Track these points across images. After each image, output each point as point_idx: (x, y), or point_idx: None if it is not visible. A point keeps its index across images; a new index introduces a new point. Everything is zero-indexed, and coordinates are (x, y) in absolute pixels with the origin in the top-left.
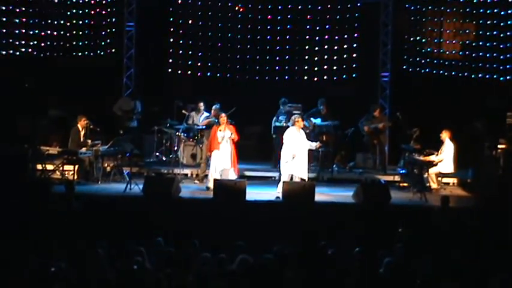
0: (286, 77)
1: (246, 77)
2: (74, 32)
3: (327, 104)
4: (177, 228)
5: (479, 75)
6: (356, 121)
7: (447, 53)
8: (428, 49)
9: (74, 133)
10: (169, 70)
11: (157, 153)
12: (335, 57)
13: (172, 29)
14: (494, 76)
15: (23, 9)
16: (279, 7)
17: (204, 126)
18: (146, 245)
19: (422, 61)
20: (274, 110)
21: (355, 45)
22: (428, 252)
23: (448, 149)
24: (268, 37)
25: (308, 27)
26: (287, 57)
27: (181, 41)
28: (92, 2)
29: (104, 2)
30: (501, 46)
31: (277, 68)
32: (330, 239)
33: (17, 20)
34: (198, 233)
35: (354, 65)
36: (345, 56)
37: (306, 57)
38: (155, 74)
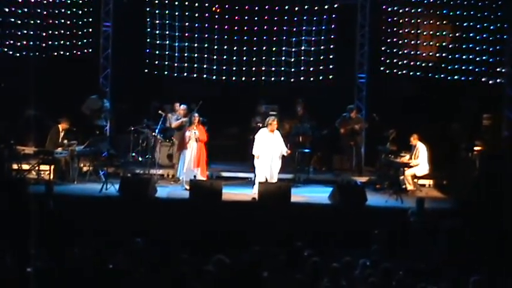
0: (263, 78)
1: (222, 77)
2: (50, 32)
3: (304, 105)
4: (153, 228)
5: (456, 77)
6: (332, 122)
7: (424, 54)
8: (405, 51)
9: (54, 133)
10: (146, 70)
11: (134, 154)
12: (312, 59)
13: (149, 29)
14: (470, 78)
15: None
16: (256, 8)
17: (175, 128)
18: (123, 245)
19: (399, 62)
20: (251, 111)
21: (332, 46)
22: (404, 254)
23: (422, 152)
24: (246, 38)
25: (285, 28)
26: (264, 58)
27: (158, 42)
28: (68, 1)
29: (80, 1)
30: (477, 48)
31: (254, 69)
32: (306, 240)
33: None
34: (175, 233)
35: (331, 66)
36: (321, 57)
37: (283, 58)
38: (132, 74)
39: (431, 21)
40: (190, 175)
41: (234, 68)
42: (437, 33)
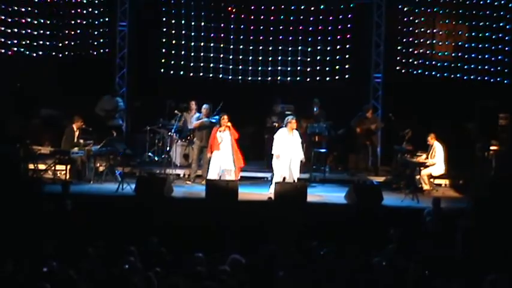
0: (279, 78)
1: (238, 77)
2: (66, 31)
3: (320, 104)
4: (169, 228)
5: (472, 76)
6: (348, 122)
7: (439, 54)
8: (421, 50)
9: (69, 133)
10: (162, 70)
11: (150, 153)
12: (328, 58)
13: (165, 29)
14: (486, 77)
15: (15, 8)
16: (272, 7)
17: (195, 127)
18: (138, 245)
19: (415, 62)
20: (267, 110)
21: (348, 46)
22: (419, 253)
23: (439, 152)
24: (261, 37)
25: (301, 27)
26: (280, 57)
27: (173, 41)
28: (85, 1)
29: (96, 1)
30: (493, 48)
31: (270, 68)
32: (321, 240)
33: (9, 19)
34: (190, 233)
35: (347, 66)
36: (337, 56)
37: (299, 57)
38: (148, 74)
39: (447, 21)
40: (226, 175)
41: (250, 68)
42: (453, 33)
